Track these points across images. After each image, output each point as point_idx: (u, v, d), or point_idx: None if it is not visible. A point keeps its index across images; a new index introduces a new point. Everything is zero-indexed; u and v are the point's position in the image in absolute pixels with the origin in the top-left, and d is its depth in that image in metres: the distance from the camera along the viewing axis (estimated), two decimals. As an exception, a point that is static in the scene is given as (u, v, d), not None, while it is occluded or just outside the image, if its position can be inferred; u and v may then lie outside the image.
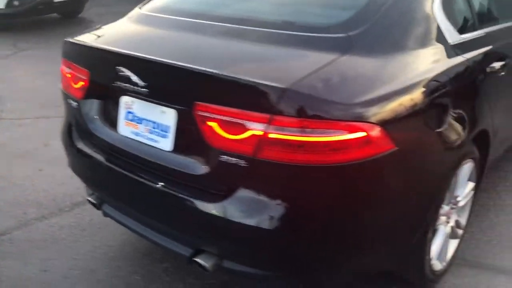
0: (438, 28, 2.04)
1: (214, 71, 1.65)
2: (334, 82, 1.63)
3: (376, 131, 1.61)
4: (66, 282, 2.36)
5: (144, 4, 2.52)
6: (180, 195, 1.82)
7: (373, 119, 1.60)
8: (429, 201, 1.94)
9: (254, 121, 1.60)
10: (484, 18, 2.53)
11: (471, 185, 2.40)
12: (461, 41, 2.16)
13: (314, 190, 1.65)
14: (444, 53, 2.02)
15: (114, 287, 2.34)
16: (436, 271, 2.26)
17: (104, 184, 2.19)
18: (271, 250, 1.74)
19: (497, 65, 2.32)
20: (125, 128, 2.03)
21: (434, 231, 2.20)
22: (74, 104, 2.21)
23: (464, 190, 2.37)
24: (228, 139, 1.65)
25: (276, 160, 1.60)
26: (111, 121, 2.11)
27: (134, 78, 1.85)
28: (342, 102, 1.58)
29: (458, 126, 1.98)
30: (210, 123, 1.68)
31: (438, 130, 1.86)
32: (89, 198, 2.30)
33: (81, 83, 2.13)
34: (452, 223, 2.36)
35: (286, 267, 1.82)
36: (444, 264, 2.35)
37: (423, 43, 1.95)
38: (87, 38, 2.19)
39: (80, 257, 2.55)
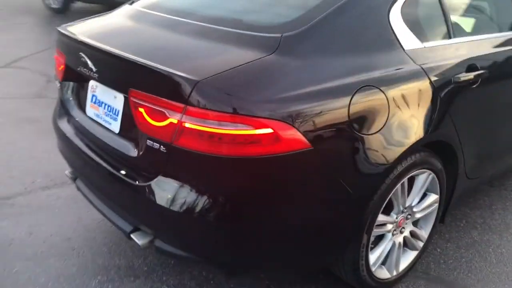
0: (392, 34, 2.02)
1: (143, 60, 1.78)
2: (246, 79, 1.69)
3: (285, 129, 1.66)
4: (43, 246, 2.61)
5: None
6: (120, 175, 1.98)
7: (282, 117, 1.65)
8: (357, 205, 1.92)
9: (172, 109, 1.71)
10: (460, 28, 2.44)
11: (433, 197, 2.34)
12: (421, 48, 2.11)
13: (224, 179, 1.73)
14: (393, 59, 1.98)
15: (82, 255, 2.55)
16: (381, 279, 2.24)
17: (74, 160, 2.40)
18: (187, 234, 1.85)
19: (466, 76, 2.22)
20: (90, 110, 2.23)
21: (378, 238, 2.19)
22: (58, 85, 2.45)
23: (423, 201, 2.31)
24: (152, 125, 1.78)
25: (190, 148, 1.71)
26: (82, 103, 2.32)
27: (90, 64, 2.04)
28: (249, 99, 1.64)
29: (396, 134, 1.92)
30: (140, 109, 1.81)
31: (366, 135, 1.83)
32: (66, 172, 2.54)
33: (61, 66, 2.35)
34: (406, 233, 2.32)
35: (206, 252, 1.92)
36: (395, 273, 2.32)
37: (367, 48, 1.93)
38: (72, 27, 2.40)
39: (65, 225, 2.80)
